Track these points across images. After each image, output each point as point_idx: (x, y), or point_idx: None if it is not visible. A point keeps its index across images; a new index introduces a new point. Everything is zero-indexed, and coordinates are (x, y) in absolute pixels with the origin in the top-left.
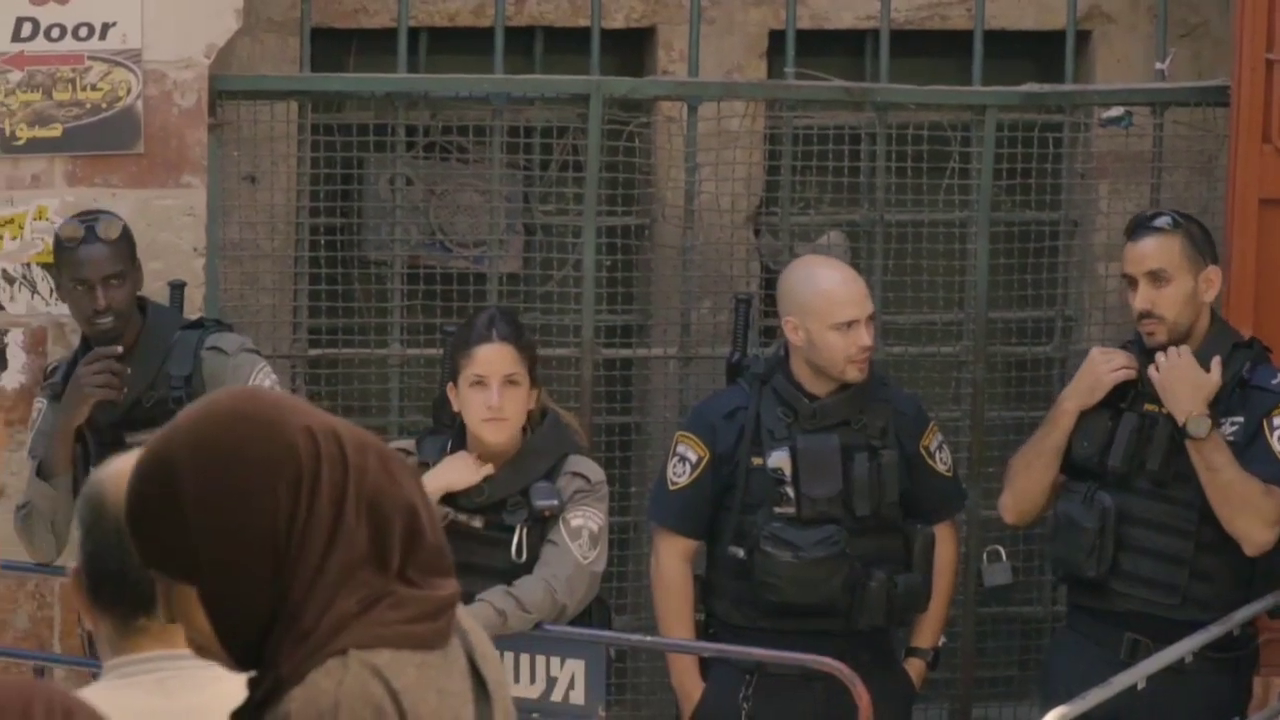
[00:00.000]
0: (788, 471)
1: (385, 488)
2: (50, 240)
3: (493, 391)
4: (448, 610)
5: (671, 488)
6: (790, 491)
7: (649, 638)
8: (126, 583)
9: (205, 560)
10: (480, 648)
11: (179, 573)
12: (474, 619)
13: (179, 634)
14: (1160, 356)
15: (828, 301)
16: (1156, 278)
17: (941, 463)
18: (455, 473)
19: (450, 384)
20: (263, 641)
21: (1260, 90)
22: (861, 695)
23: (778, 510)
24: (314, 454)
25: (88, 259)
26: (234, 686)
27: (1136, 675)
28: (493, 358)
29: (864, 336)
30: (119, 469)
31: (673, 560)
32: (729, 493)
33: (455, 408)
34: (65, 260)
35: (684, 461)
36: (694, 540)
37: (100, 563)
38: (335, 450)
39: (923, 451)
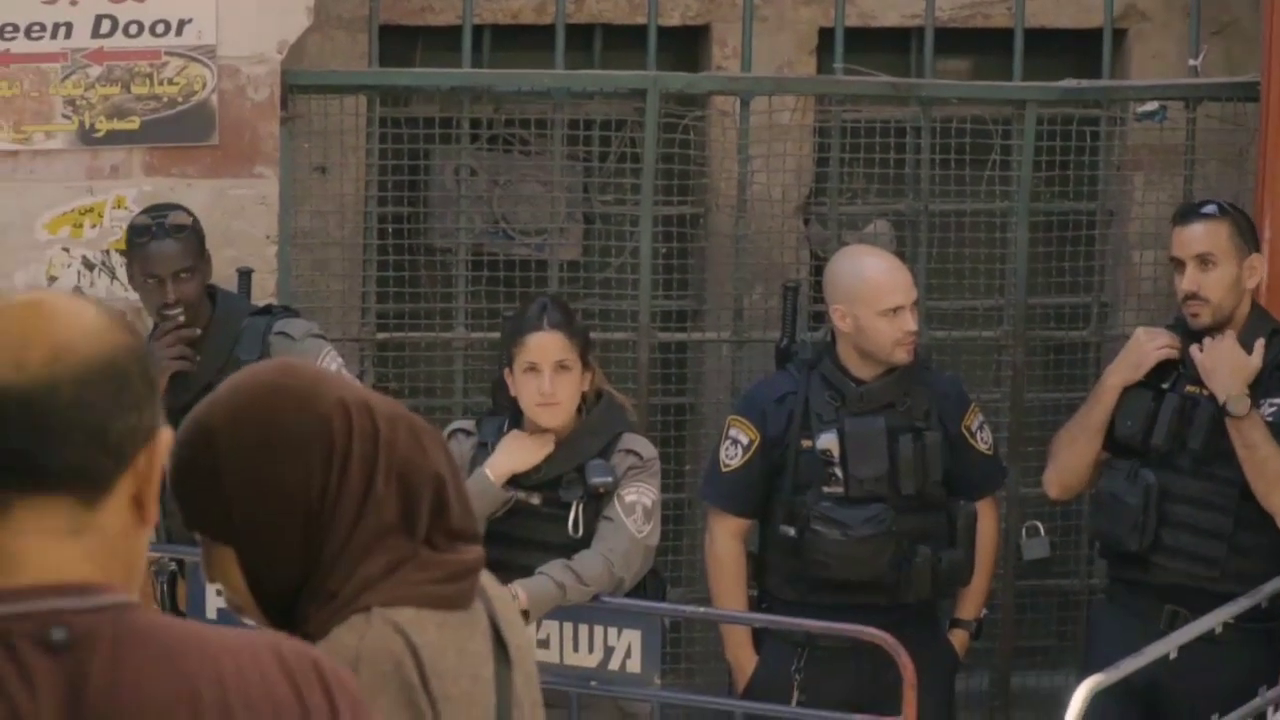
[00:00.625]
0: (836, 453)
1: (415, 459)
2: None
3: (545, 378)
4: (471, 574)
5: (724, 469)
6: (839, 472)
7: (702, 609)
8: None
9: (242, 524)
10: (504, 613)
11: (218, 535)
12: (524, 589)
13: None
14: (1207, 340)
15: (875, 289)
16: (1204, 261)
17: (983, 442)
18: (518, 456)
19: (506, 369)
20: (295, 602)
21: None
22: (906, 664)
23: (826, 490)
24: (347, 426)
25: (158, 254)
26: None
27: (1169, 645)
28: (544, 345)
29: (910, 321)
30: None
31: (726, 539)
32: (779, 474)
33: (511, 391)
34: (136, 254)
35: (736, 444)
36: (746, 519)
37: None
38: (367, 423)
39: (964, 432)
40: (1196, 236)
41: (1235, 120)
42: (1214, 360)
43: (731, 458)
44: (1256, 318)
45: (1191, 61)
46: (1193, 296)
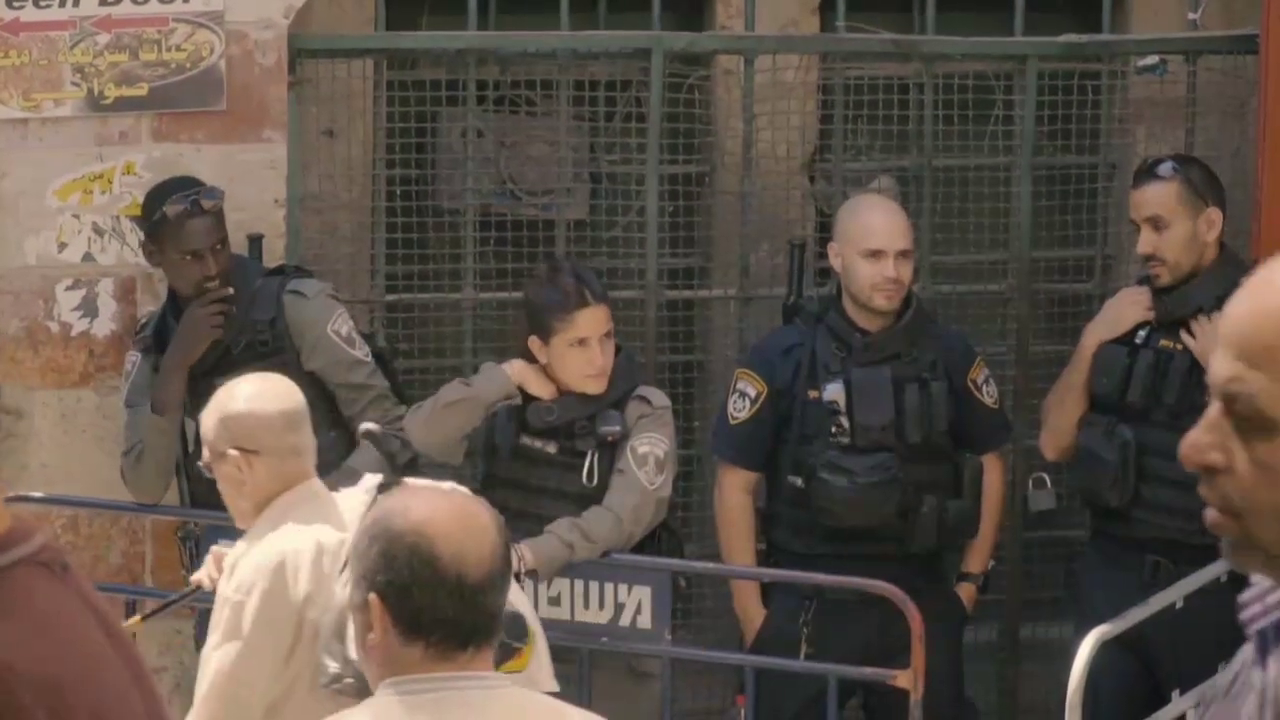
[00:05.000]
0: (842, 403)
1: None
2: (137, 194)
3: (595, 351)
4: None
5: (732, 422)
6: (845, 422)
7: (711, 564)
8: (461, 625)
9: None
10: None
11: None
12: (531, 549)
13: (477, 662)
14: (1195, 324)
15: (860, 229)
16: (1156, 223)
17: (988, 396)
18: (535, 379)
19: (533, 338)
20: None
21: None
22: (914, 616)
23: (833, 440)
24: None
25: (195, 232)
26: (504, 708)
27: (1175, 594)
28: (593, 320)
29: (890, 268)
30: (443, 527)
31: (734, 492)
32: (786, 425)
33: (542, 360)
34: (172, 235)
35: (744, 397)
36: (754, 472)
37: (434, 610)
38: None
39: (970, 385)
40: (1147, 199)
41: (1235, 73)
42: (1209, 345)
43: (739, 410)
44: (1219, 266)
45: (1191, 15)
46: (1150, 258)
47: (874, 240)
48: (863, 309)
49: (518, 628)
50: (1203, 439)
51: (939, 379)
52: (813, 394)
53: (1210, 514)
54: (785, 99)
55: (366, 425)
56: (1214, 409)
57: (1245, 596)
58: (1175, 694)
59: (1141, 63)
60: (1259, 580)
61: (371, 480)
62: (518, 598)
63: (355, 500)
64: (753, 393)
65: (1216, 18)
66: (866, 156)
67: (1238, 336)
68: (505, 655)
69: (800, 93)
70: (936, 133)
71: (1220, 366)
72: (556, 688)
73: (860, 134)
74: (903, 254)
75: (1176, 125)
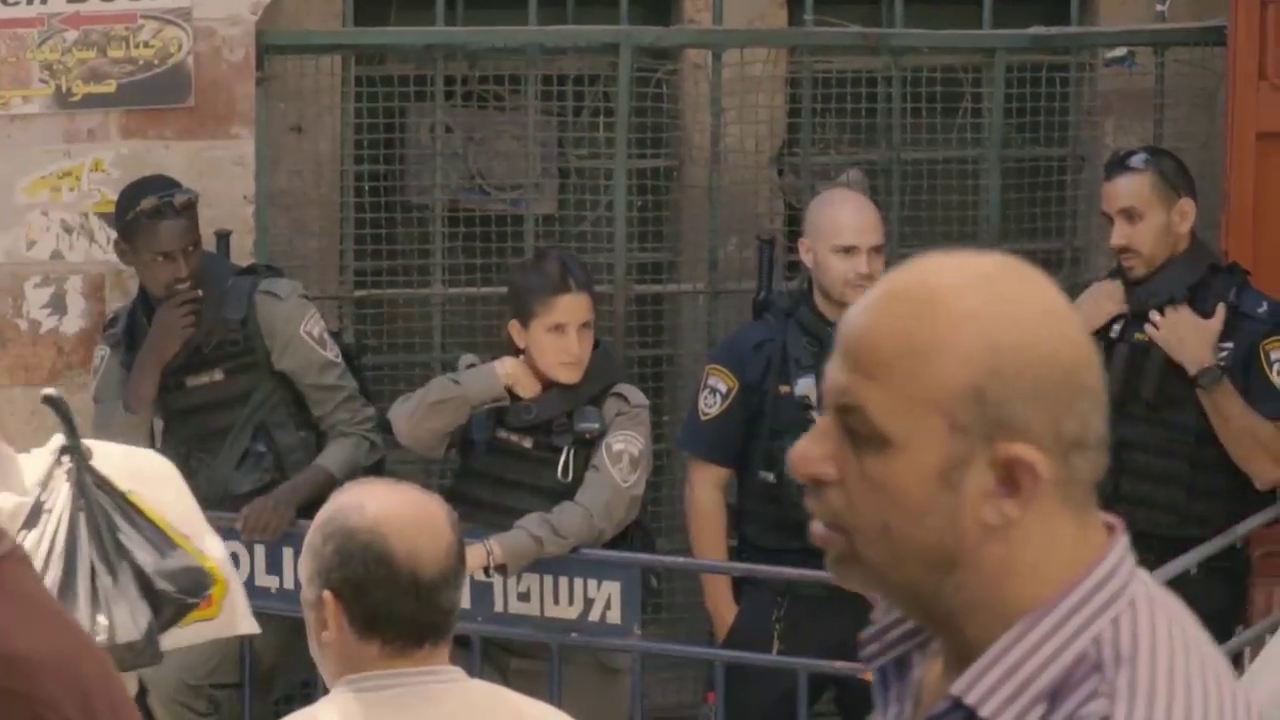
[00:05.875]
0: (814, 398)
1: None
2: (106, 191)
3: (571, 339)
4: None
5: (703, 418)
6: (817, 417)
7: (681, 559)
8: (417, 623)
9: None
10: None
11: None
12: (500, 544)
13: (434, 658)
14: (1155, 316)
15: (832, 225)
16: (1130, 215)
17: None
18: (524, 378)
19: (514, 322)
20: None
21: (1255, 30)
22: None
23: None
24: None
25: (169, 233)
26: (463, 703)
27: None
28: (573, 307)
29: (863, 264)
30: (398, 524)
31: (706, 489)
32: (758, 420)
33: (520, 344)
34: (145, 235)
35: (714, 393)
36: (726, 468)
37: (389, 608)
38: None
39: None
40: (1120, 192)
41: (1204, 65)
42: (1177, 335)
43: (710, 406)
44: (1188, 256)
45: (1159, 7)
46: (1124, 250)
47: (846, 236)
48: (834, 303)
49: (192, 582)
50: (813, 450)
51: None
52: (784, 389)
53: (816, 528)
54: (753, 93)
55: (46, 391)
56: (826, 419)
57: (865, 634)
58: None
59: (1110, 55)
60: (881, 616)
61: (57, 441)
62: (212, 544)
63: (40, 463)
64: (723, 389)
65: (1184, 10)
66: (835, 150)
67: (854, 347)
68: (181, 610)
69: (768, 87)
70: (905, 126)
71: (835, 376)
72: (255, 629)
73: (828, 127)
74: (875, 249)
75: (1145, 117)
